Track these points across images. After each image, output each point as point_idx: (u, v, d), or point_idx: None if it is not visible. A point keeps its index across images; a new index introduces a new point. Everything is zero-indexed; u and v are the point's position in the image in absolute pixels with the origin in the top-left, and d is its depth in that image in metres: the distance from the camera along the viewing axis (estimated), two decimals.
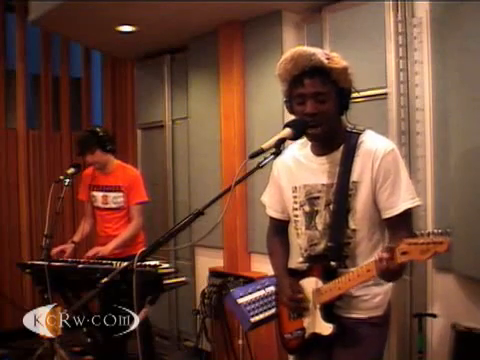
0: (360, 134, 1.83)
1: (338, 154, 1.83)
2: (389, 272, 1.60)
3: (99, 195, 3.47)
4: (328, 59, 1.73)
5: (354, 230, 1.81)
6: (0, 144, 4.69)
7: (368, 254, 1.80)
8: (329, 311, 1.81)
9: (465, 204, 2.63)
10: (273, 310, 2.30)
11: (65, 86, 5.13)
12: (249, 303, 2.59)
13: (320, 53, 1.74)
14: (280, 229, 2.10)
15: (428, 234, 1.47)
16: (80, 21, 3.80)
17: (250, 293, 2.66)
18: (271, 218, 2.12)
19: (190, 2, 3.38)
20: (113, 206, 3.45)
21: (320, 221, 1.86)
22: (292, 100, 1.82)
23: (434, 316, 2.80)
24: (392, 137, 2.92)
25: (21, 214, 4.77)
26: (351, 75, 1.80)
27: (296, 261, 1.99)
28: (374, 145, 1.79)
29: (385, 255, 1.57)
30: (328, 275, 1.80)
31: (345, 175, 1.79)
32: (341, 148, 1.82)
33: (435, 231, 1.48)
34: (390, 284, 1.89)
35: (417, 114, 2.92)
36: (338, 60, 1.75)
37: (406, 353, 2.92)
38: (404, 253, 1.52)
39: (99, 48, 4.94)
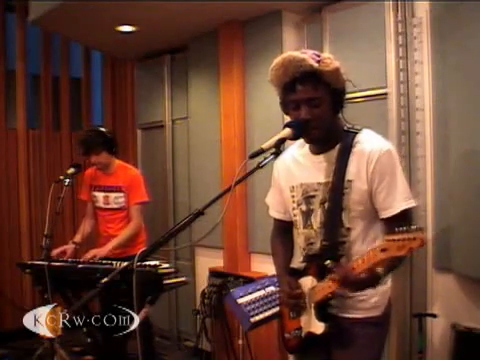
0: (357, 133, 1.83)
1: (334, 152, 1.83)
2: (348, 282, 1.65)
3: (100, 195, 3.47)
4: (319, 62, 1.73)
5: (349, 229, 1.81)
6: (0, 144, 4.69)
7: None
8: (322, 310, 1.81)
9: (465, 204, 2.63)
10: (273, 310, 2.31)
11: (65, 86, 5.13)
12: (249, 303, 2.59)
13: (310, 57, 1.73)
14: (283, 230, 2.10)
15: (405, 230, 1.48)
16: (80, 21, 3.80)
17: (250, 293, 2.66)
18: (274, 219, 2.12)
19: (190, 2, 3.39)
20: (114, 206, 3.45)
21: (315, 220, 1.87)
22: (287, 105, 1.83)
23: (434, 316, 2.80)
24: (392, 137, 2.92)
25: (21, 214, 4.77)
26: (344, 75, 1.79)
27: (297, 261, 2.00)
28: (369, 145, 1.79)
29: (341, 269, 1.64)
30: (323, 274, 1.80)
31: (340, 173, 1.80)
32: (337, 147, 1.83)
33: (412, 227, 1.48)
34: (388, 285, 1.90)
35: (417, 114, 2.92)
36: (329, 62, 1.74)
37: (406, 353, 2.92)
38: (383, 250, 1.53)
39: (99, 48, 4.93)
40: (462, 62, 2.64)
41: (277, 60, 1.77)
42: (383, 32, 3.00)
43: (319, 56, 1.75)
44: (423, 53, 2.91)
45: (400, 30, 2.96)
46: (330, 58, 1.76)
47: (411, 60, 2.94)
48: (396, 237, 1.49)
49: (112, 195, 3.44)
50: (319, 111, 1.76)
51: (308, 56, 1.73)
